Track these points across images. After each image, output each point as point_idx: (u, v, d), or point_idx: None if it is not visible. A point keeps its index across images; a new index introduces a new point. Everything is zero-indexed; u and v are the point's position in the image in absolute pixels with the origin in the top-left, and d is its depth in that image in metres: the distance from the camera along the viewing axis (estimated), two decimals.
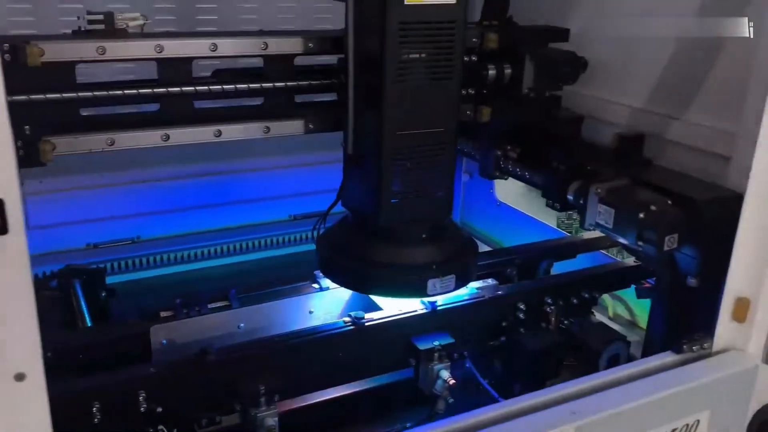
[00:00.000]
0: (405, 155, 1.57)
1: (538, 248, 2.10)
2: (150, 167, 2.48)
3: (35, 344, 0.87)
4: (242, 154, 2.58)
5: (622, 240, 1.67)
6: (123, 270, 2.43)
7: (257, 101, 1.72)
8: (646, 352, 1.77)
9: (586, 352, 1.78)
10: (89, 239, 2.44)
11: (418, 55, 1.51)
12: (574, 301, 1.86)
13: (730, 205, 1.52)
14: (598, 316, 2.06)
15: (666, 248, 1.56)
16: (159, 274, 2.49)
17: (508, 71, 1.85)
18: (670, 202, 1.60)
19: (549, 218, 2.60)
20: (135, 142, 1.56)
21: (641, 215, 1.56)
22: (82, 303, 1.92)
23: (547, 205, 1.88)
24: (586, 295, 1.88)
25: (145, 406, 1.38)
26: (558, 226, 2.59)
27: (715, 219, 1.56)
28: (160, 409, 1.40)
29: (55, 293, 1.94)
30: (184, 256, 2.52)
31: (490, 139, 2.06)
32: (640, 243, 1.59)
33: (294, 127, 1.74)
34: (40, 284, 1.97)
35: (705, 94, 1.85)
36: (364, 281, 1.67)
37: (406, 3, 1.45)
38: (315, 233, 1.78)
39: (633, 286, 2.03)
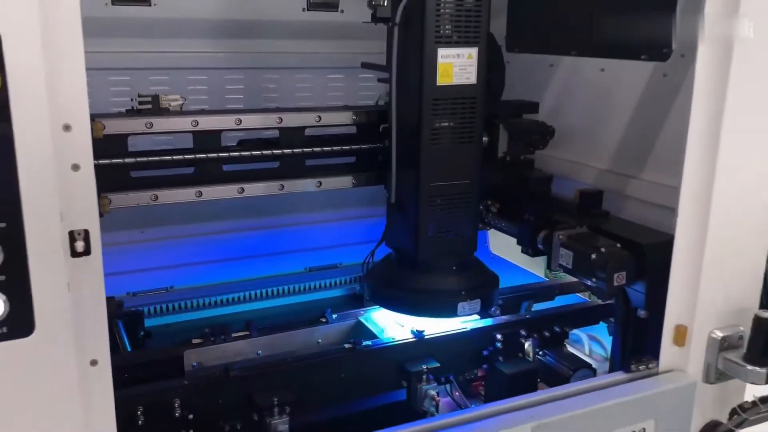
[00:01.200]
0: (437, 202, 1.95)
1: (520, 290, 2.39)
2: (183, 225, 2.83)
3: (105, 338, 1.19)
4: (263, 213, 2.94)
5: (580, 278, 1.97)
6: (158, 314, 2.74)
7: (274, 164, 2.08)
8: None
9: (556, 377, 2.05)
10: (129, 288, 2.77)
11: (447, 123, 1.91)
12: (547, 334, 2.14)
13: (671, 247, 1.82)
14: (577, 353, 2.33)
15: (615, 284, 1.85)
16: (189, 318, 2.79)
17: (485, 138, 2.19)
18: (618, 245, 1.89)
19: (538, 269, 2.90)
20: (174, 198, 1.92)
21: (593, 256, 1.86)
22: (125, 338, 2.24)
23: (522, 251, 2.19)
24: (558, 330, 2.15)
25: (179, 412, 1.68)
26: (546, 276, 2.88)
27: (657, 259, 1.84)
28: (191, 416, 1.69)
29: None
30: (211, 303, 2.83)
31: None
32: (594, 280, 1.88)
33: (305, 185, 2.11)
34: None
35: (656, 156, 2.17)
36: (407, 304, 2.03)
37: (437, 84, 1.86)
38: (364, 269, 2.15)
39: (605, 325, 2.31)
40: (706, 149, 1.69)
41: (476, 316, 2.07)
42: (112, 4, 2.51)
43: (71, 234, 1.12)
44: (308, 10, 2.78)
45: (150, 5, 2.56)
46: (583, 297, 2.55)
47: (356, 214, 3.03)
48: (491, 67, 2.36)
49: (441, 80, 1.85)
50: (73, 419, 1.18)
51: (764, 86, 1.68)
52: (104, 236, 2.58)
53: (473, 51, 1.88)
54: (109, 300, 1.22)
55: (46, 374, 1.14)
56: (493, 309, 2.27)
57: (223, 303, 2.85)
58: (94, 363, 1.20)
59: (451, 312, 1.98)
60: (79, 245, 1.12)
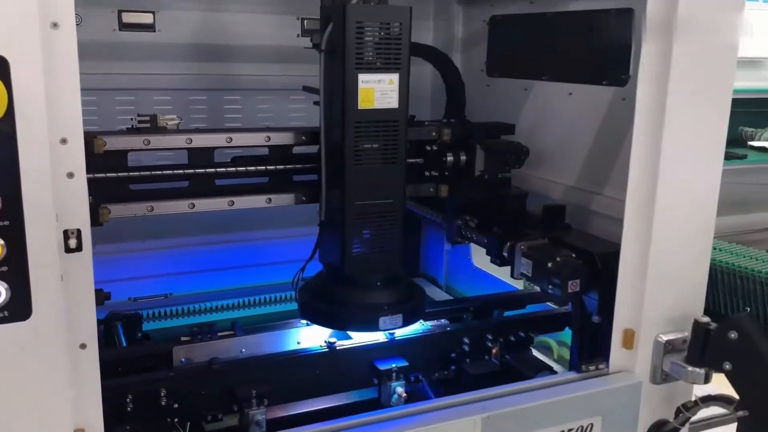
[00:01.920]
0: (362, 220, 2.07)
1: (491, 299, 2.55)
2: (182, 236, 3.02)
3: (93, 324, 1.37)
4: (258, 226, 3.12)
5: (539, 286, 2.12)
6: (157, 318, 2.92)
7: (264, 179, 2.26)
8: None
9: (519, 379, 2.19)
10: (131, 293, 2.96)
11: (370, 145, 2.03)
12: (512, 339, 2.29)
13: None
14: (544, 358, 2.48)
15: (570, 291, 2.00)
16: (187, 323, 2.97)
17: (463, 158, 2.38)
18: (573, 255, 2.05)
19: (517, 281, 3.04)
20: (168, 209, 2.09)
21: (549, 265, 2.02)
22: (123, 339, 2.42)
23: (491, 261, 2.35)
24: (522, 335, 2.31)
25: (165, 401, 1.85)
26: (525, 287, 3.02)
27: (608, 268, 2.00)
28: (176, 405, 1.86)
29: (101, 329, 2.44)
30: (207, 309, 3.01)
31: (453, 212, 2.54)
32: (550, 287, 2.04)
33: (290, 199, 2.27)
34: None
35: (617, 173, 2.33)
36: (330, 318, 2.12)
37: (359, 108, 1.98)
38: (295, 284, 2.25)
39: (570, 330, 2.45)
40: (647, 162, 1.86)
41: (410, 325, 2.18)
42: (120, 30, 2.73)
43: (65, 233, 1.31)
44: (303, 36, 3.00)
45: (155, 31, 2.78)
46: (553, 306, 2.70)
47: None
48: (451, 87, 2.59)
49: (362, 104, 1.97)
50: (64, 394, 1.35)
51: (701, 101, 1.85)
52: (108, 246, 2.86)
53: (394, 77, 1.98)
54: (98, 291, 1.39)
55: (41, 353, 1.32)
56: (464, 316, 2.44)
57: (218, 309, 3.03)
58: (83, 346, 1.38)
59: (372, 325, 2.06)
60: (72, 242, 1.31)
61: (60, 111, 1.27)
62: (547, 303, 2.68)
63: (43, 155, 1.25)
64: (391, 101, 2.00)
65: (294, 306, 3.08)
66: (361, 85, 1.96)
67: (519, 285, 3.03)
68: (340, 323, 2.11)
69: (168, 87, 2.85)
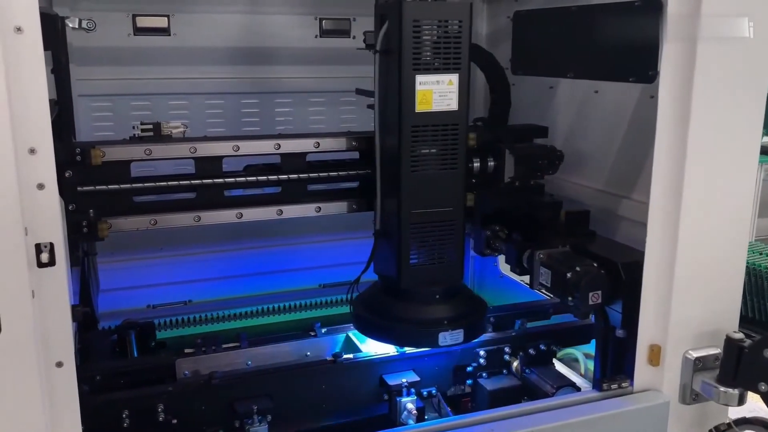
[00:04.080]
0: (420, 229, 1.97)
1: (514, 309, 2.42)
2: (203, 242, 2.97)
3: (69, 342, 1.31)
4: (281, 232, 3.06)
5: (558, 298, 1.99)
6: (175, 326, 2.88)
7: (276, 189, 2.16)
8: None
9: (539, 395, 2.07)
10: (149, 301, 2.93)
11: (427, 150, 1.93)
12: (532, 352, 2.17)
13: None
14: (569, 372, 2.34)
15: (591, 303, 1.87)
16: (206, 331, 2.93)
17: (491, 163, 2.24)
18: (595, 264, 1.92)
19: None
20: (173, 223, 2.03)
21: (569, 275, 1.89)
22: (134, 349, 2.38)
23: (511, 270, 2.22)
24: (544, 347, 2.18)
25: (163, 416, 1.79)
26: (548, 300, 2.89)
27: (633, 278, 1.86)
28: (174, 421, 1.80)
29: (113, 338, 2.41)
30: (227, 316, 2.96)
31: (480, 222, 2.36)
32: (570, 299, 1.91)
33: (304, 210, 2.17)
34: (104, 335, 2.46)
35: (646, 175, 2.18)
36: (386, 333, 2.02)
37: (417, 111, 1.88)
38: (349, 295, 2.14)
39: None
40: (672, 164, 1.72)
41: None
42: (135, 34, 2.70)
43: (37, 246, 1.25)
44: (321, 36, 2.92)
45: (170, 35, 2.74)
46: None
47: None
48: (495, 89, 2.45)
49: (420, 107, 1.88)
50: (38, 416, 1.30)
51: (732, 96, 1.70)
52: (126, 253, 2.83)
53: (454, 77, 1.90)
54: (75, 308, 1.33)
55: (12, 373, 1.27)
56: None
57: (239, 317, 2.98)
58: (59, 365, 1.32)
59: (431, 342, 1.96)
60: (44, 257, 1.25)
61: (26, 119, 1.21)
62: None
63: (7, 166, 1.19)
64: (451, 103, 1.91)
65: (319, 313, 3.07)
66: (418, 87, 1.87)
67: (548, 293, 2.91)
68: (396, 339, 2.02)
69: (185, 92, 2.81)
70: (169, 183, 2.01)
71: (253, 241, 3.06)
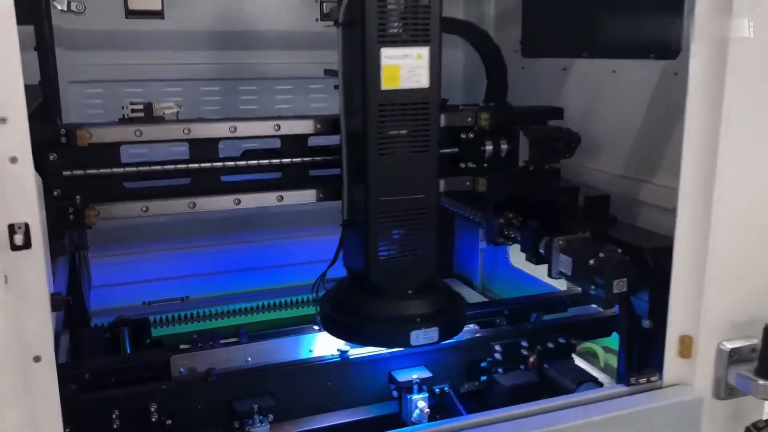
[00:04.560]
0: (389, 218, 1.80)
1: (528, 301, 2.29)
2: (201, 236, 2.85)
3: (48, 334, 1.18)
4: (280, 225, 2.93)
5: (580, 286, 1.87)
6: (171, 323, 2.75)
7: (276, 175, 2.02)
8: None
9: (559, 391, 1.94)
10: (144, 297, 2.80)
11: (397, 132, 1.77)
12: (551, 346, 2.04)
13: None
14: (588, 366, 2.21)
15: (616, 291, 1.74)
16: (204, 328, 2.80)
17: (504, 146, 2.08)
18: (620, 250, 1.79)
19: (559, 281, 2.78)
20: (166, 209, 1.89)
21: (591, 262, 1.76)
22: (128, 347, 2.26)
23: (527, 259, 2.09)
24: (562, 341, 2.05)
25: (156, 416, 1.66)
26: (568, 288, 2.76)
27: (660, 265, 1.73)
28: (169, 421, 1.67)
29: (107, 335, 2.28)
30: (226, 312, 2.83)
31: (493, 209, 2.22)
32: (593, 287, 1.78)
33: (306, 196, 2.02)
34: (96, 332, 2.33)
35: (669, 157, 2.06)
36: (354, 333, 1.85)
37: (382, 88, 1.72)
38: (315, 291, 1.97)
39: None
40: (705, 144, 1.58)
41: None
42: (127, 17, 2.57)
43: (10, 227, 1.12)
44: (322, 20, 2.80)
45: (163, 18, 2.61)
46: (596, 308, 2.43)
47: None
48: (491, 70, 2.31)
49: (386, 84, 1.71)
50: (12, 416, 1.17)
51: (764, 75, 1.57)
52: (119, 247, 2.71)
53: (423, 51, 1.73)
54: (55, 296, 1.20)
55: None
56: (497, 320, 2.20)
57: (238, 313, 2.85)
58: (37, 359, 1.19)
59: (403, 341, 1.79)
60: (18, 238, 1.12)
61: None
62: (593, 305, 2.42)
63: None
64: (420, 80, 1.75)
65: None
66: (384, 62, 1.70)
67: (562, 286, 2.78)
68: (365, 338, 1.86)
69: (179, 77, 2.69)
70: (163, 167, 1.87)
71: (252, 234, 2.94)
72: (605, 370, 2.34)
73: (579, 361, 2.18)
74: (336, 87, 1.87)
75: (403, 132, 1.77)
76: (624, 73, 2.23)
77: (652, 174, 2.12)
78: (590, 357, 2.38)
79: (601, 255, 1.76)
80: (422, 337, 1.80)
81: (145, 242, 2.78)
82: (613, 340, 2.31)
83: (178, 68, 2.67)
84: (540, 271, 2.85)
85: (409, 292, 1.87)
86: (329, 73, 1.99)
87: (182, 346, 1.89)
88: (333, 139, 2.06)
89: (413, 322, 1.80)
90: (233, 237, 2.91)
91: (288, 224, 2.96)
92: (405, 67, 1.72)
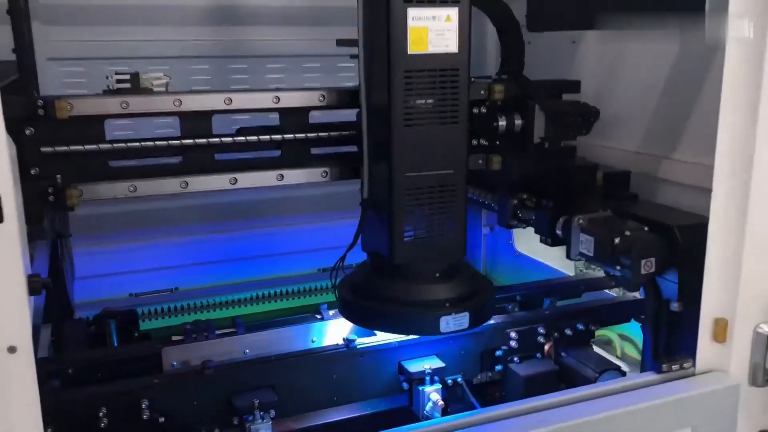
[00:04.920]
0: (415, 196, 1.66)
1: (541, 286, 2.16)
2: (189, 224, 2.69)
3: (25, 321, 1.03)
4: (275, 212, 2.79)
5: (603, 268, 1.74)
6: (160, 315, 2.60)
7: (275, 153, 1.86)
8: None
9: (579, 381, 1.82)
10: (131, 289, 2.65)
11: (424, 102, 1.63)
12: (569, 333, 1.91)
13: (705, 230, 1.58)
14: (606, 355, 2.09)
15: (643, 272, 1.62)
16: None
17: (518, 122, 1.93)
18: (646, 228, 1.67)
19: (568, 267, 2.66)
20: (156, 189, 1.73)
21: (617, 241, 1.64)
22: (114, 340, 2.10)
23: (541, 240, 1.97)
24: (581, 328, 1.92)
25: (147, 414, 1.51)
26: (577, 274, 2.64)
27: (690, 243, 1.61)
28: (162, 419, 1.53)
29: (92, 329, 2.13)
30: (218, 304, 2.68)
31: (507, 189, 2.09)
32: (618, 268, 1.65)
33: (309, 175, 1.86)
34: (80, 325, 2.18)
35: (691, 131, 1.94)
36: (378, 319, 1.71)
37: (409, 53, 1.58)
38: (334, 276, 1.81)
39: (638, 324, 2.07)
40: (743, 118, 1.46)
41: None
42: None
43: None
44: None
45: None
46: (611, 294, 2.32)
47: None
48: (508, 46, 2.17)
49: (413, 48, 1.58)
50: None
51: None
52: (104, 236, 2.55)
53: (452, 12, 1.59)
54: (33, 278, 1.05)
55: None
56: (509, 306, 2.07)
57: (231, 305, 2.71)
58: (12, 350, 1.04)
59: (432, 328, 1.66)
60: None
61: None
62: (605, 291, 2.30)
63: None
64: (449, 44, 1.61)
65: (318, 300, 2.79)
66: (411, 23, 1.57)
67: (570, 272, 2.67)
68: (389, 325, 1.72)
69: (166, 55, 2.52)
70: (155, 143, 1.71)
71: (245, 222, 2.79)
72: (623, 358, 2.22)
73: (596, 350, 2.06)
74: (352, 57, 1.74)
75: (430, 102, 1.64)
76: (639, 44, 2.10)
77: (670, 149, 2.00)
78: (604, 345, 2.27)
79: (627, 233, 1.64)
80: (452, 323, 1.66)
81: (132, 230, 2.63)
82: (630, 328, 2.20)
83: (164, 45, 2.51)
84: (547, 257, 2.75)
85: (437, 275, 1.73)
86: (343, 43, 1.85)
87: (174, 338, 1.74)
88: (336, 115, 1.93)
89: (442, 307, 1.67)
90: (226, 225, 2.76)
91: (285, 211, 2.81)
92: (433, 30, 1.58)
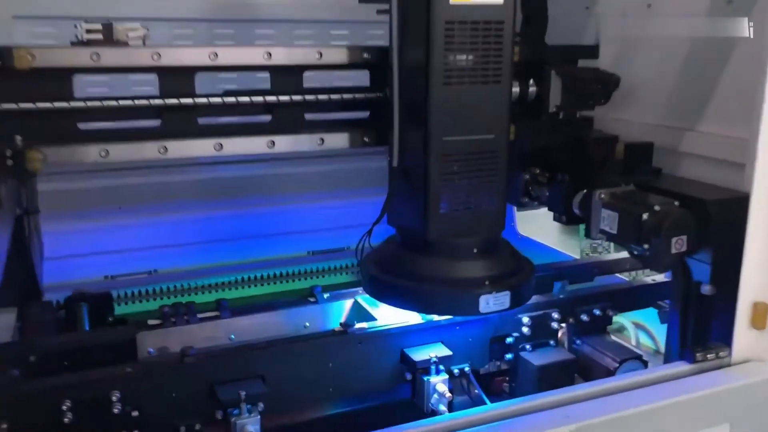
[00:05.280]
0: (453, 163, 1.50)
1: (551, 269, 2.00)
2: (170, 200, 2.51)
3: None
4: (263, 190, 2.60)
5: (627, 247, 1.59)
6: (137, 299, 2.42)
7: (266, 118, 1.67)
8: None
9: (596, 371, 1.67)
10: (107, 271, 2.45)
11: (465, 58, 1.47)
12: (585, 318, 1.76)
13: (742, 205, 1.43)
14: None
15: (674, 251, 1.47)
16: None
17: (532, 89, 1.77)
18: (677, 203, 1.51)
19: (573, 250, 2.52)
20: (131, 154, 1.54)
21: (645, 216, 1.48)
22: (86, 325, 1.92)
23: (555, 218, 1.81)
24: (598, 313, 1.77)
25: (119, 407, 1.34)
26: (583, 256, 2.51)
27: (726, 220, 1.47)
28: (135, 413, 1.35)
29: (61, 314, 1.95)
30: (201, 287, 2.50)
31: (519, 162, 1.87)
32: (645, 247, 1.49)
33: (303, 141, 1.68)
34: (47, 308, 1.99)
35: (718, 101, 1.78)
36: (410, 298, 1.55)
37: (451, 2, 1.42)
38: (359, 254, 1.65)
39: (655, 311, 1.93)
40: None
41: None
42: None
43: None
44: None
45: None
46: (624, 278, 2.17)
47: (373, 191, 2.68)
48: (528, 16, 1.99)
49: None
50: None
51: None
52: (75, 213, 2.35)
53: None
54: None
55: None
56: None
57: (215, 288, 2.52)
58: None
59: (470, 307, 1.50)
60: None
61: None
62: (617, 275, 2.15)
63: None
64: None
65: (309, 283, 2.61)
66: None
67: (576, 255, 2.53)
68: (424, 304, 1.55)
69: (145, 16, 2.29)
70: (132, 101, 1.52)
71: (231, 200, 2.59)
72: (637, 347, 2.08)
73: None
74: (379, 12, 1.58)
75: (471, 58, 1.47)
76: (661, 6, 1.94)
77: (695, 121, 1.84)
78: (615, 333, 2.12)
79: (657, 208, 1.48)
80: (492, 302, 1.51)
81: (108, 208, 2.43)
82: (643, 314, 2.05)
83: (144, 5, 2.31)
84: (551, 239, 2.61)
85: (474, 251, 1.57)
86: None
87: (151, 322, 1.56)
88: (330, 79, 1.76)
89: (481, 285, 1.51)
90: (210, 203, 2.56)
91: (274, 190, 2.63)
92: None
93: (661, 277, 1.93)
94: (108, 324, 1.99)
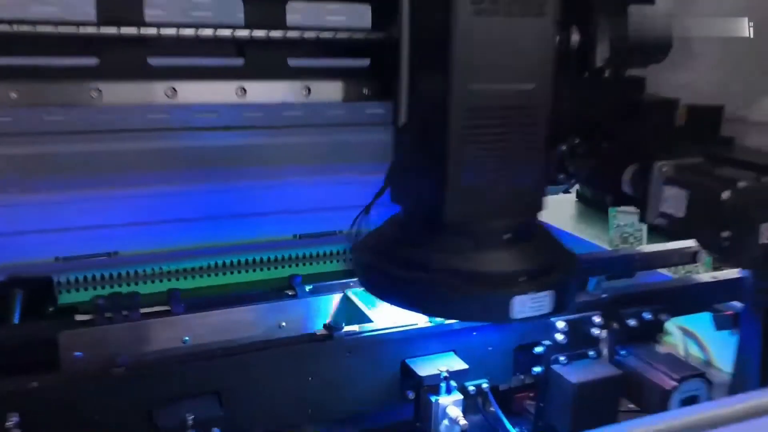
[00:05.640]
0: (480, 120, 1.11)
1: (585, 262, 1.65)
2: (136, 173, 2.16)
3: None
4: (243, 162, 2.26)
5: (697, 235, 1.24)
6: (90, 284, 2.08)
7: (237, 61, 1.33)
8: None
9: (649, 392, 1.32)
10: (57, 252, 2.11)
11: None
12: (633, 323, 1.41)
13: None
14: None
15: (764, 241, 1.12)
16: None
17: (575, 38, 1.39)
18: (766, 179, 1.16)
19: (601, 239, 2.20)
20: (52, 97, 1.21)
21: (725, 195, 1.13)
22: (17, 316, 1.58)
23: (596, 197, 1.47)
24: (649, 317, 1.42)
25: None
26: (613, 247, 2.18)
27: None
28: None
29: None
30: (166, 273, 2.16)
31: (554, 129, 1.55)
32: (725, 235, 1.15)
33: (283, 90, 1.34)
34: None
35: None
36: (420, 296, 1.16)
37: None
38: (353, 236, 1.34)
39: (710, 314, 1.59)
40: None
41: None
42: None
43: None
44: None
45: None
46: (666, 274, 1.83)
47: (369, 168, 2.34)
48: None
49: None
50: None
51: None
52: (21, 185, 2.01)
53: None
54: None
55: None
56: None
57: (184, 274, 2.18)
58: None
59: (499, 312, 1.13)
60: None
61: None
62: (659, 271, 1.81)
63: None
64: None
65: (292, 271, 2.28)
66: None
67: (605, 244, 2.19)
68: (435, 305, 1.16)
69: None
70: (56, 27, 1.17)
71: (204, 173, 2.25)
72: (686, 359, 1.74)
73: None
74: None
75: None
76: None
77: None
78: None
79: (741, 185, 1.13)
80: (528, 305, 1.13)
81: (61, 178, 2.08)
82: (691, 320, 1.71)
83: None
84: (574, 225, 2.28)
85: (505, 237, 1.20)
86: None
87: (79, 317, 1.21)
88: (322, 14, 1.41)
89: (514, 282, 1.14)
90: (181, 176, 2.21)
91: (252, 162, 2.28)
92: None
93: (719, 274, 1.59)
94: (44, 316, 1.66)
